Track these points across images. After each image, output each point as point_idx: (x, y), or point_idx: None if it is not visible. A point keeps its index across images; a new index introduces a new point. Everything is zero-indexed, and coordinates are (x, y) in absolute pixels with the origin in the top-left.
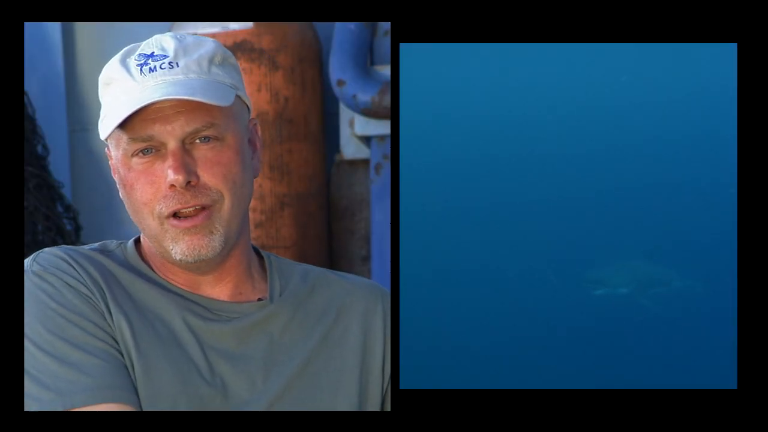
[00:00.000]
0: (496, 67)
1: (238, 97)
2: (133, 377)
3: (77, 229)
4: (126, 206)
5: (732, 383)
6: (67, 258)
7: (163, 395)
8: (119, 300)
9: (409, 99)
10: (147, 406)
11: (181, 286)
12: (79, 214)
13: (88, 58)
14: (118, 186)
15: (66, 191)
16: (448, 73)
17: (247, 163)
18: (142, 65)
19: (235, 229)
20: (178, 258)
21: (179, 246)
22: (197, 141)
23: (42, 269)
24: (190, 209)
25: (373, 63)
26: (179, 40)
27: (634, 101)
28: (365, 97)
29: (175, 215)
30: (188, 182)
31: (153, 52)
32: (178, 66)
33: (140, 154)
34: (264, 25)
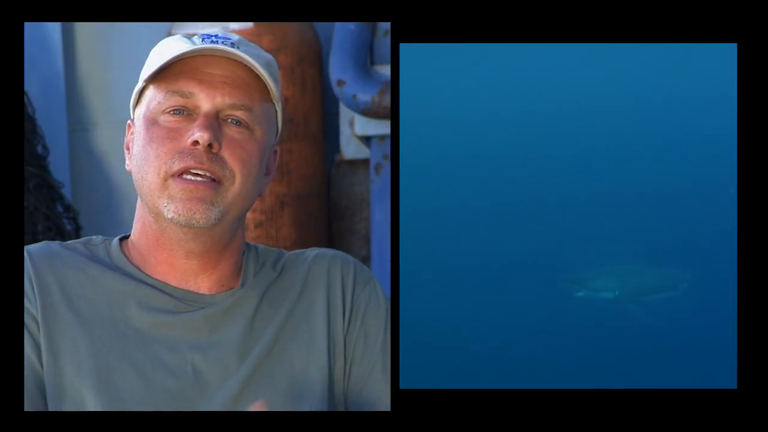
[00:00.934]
0: (496, 67)
1: (275, 110)
2: (78, 386)
3: (77, 229)
4: (132, 168)
5: (732, 383)
6: (29, 266)
7: (126, 396)
8: (78, 305)
9: (409, 99)
10: (113, 410)
11: (161, 279)
12: (79, 214)
13: (88, 58)
14: (128, 149)
15: (66, 191)
16: (448, 73)
17: (262, 169)
18: (204, 37)
19: (233, 216)
20: (169, 216)
21: (174, 204)
22: (230, 121)
23: None
24: (200, 173)
25: (373, 63)
26: (242, 38)
27: (634, 101)
28: (365, 97)
29: (183, 175)
30: (210, 145)
31: (217, 33)
32: (239, 48)
33: (171, 112)
34: (264, 25)
